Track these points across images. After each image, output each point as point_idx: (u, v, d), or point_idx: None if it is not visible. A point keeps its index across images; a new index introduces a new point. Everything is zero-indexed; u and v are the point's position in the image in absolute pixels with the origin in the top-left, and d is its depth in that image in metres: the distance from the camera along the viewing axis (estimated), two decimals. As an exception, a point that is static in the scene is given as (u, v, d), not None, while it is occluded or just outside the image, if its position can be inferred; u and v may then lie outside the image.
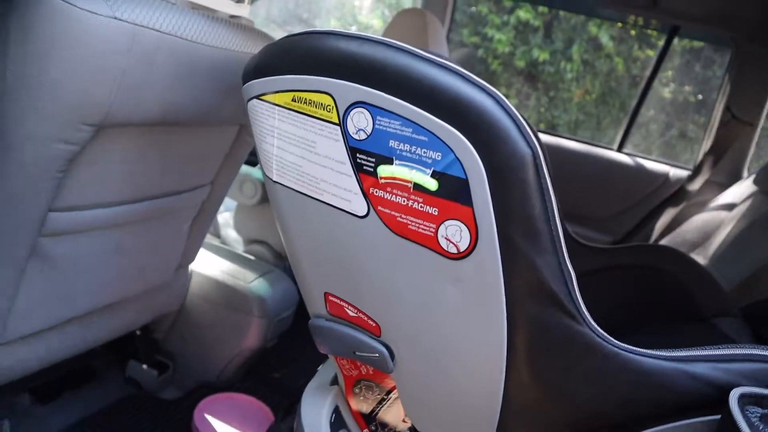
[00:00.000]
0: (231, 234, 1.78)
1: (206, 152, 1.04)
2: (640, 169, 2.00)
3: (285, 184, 0.65)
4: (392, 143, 0.55)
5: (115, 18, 0.68)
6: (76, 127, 0.72)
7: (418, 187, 0.54)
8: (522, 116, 0.55)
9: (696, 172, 1.93)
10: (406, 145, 0.54)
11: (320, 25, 5.76)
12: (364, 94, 0.55)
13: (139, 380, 1.30)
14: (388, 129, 0.55)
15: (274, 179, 0.66)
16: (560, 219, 0.54)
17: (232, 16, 0.93)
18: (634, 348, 0.56)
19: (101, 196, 0.87)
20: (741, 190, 1.64)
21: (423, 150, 0.53)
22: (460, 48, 4.79)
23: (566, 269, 0.54)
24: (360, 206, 0.58)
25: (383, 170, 0.56)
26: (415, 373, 0.64)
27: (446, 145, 0.52)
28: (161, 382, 1.30)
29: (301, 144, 0.62)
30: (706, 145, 1.92)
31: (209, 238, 1.69)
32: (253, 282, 1.33)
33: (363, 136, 0.56)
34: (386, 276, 0.60)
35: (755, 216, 1.43)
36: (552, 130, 4.81)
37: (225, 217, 1.83)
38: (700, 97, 4.78)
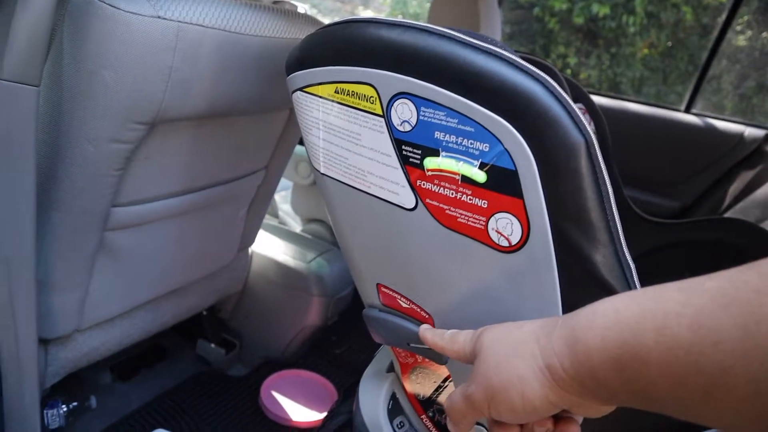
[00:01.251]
0: (288, 213, 1.81)
1: (259, 138, 1.05)
2: (711, 130, 1.88)
3: (332, 176, 0.64)
4: (438, 135, 0.53)
5: (159, 17, 0.69)
6: (130, 127, 0.74)
7: (466, 180, 0.52)
8: (577, 92, 0.52)
9: (774, 129, 1.80)
10: (452, 136, 0.52)
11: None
12: (406, 85, 0.54)
13: (207, 358, 1.36)
14: (433, 120, 0.53)
15: (322, 171, 0.66)
16: (617, 208, 0.51)
17: (275, 2, 0.93)
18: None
19: (159, 189, 0.90)
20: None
21: (470, 141, 0.51)
22: (515, 9, 4.62)
23: (625, 262, 0.51)
24: (408, 199, 0.57)
25: (430, 162, 0.54)
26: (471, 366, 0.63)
27: (494, 135, 0.50)
28: (229, 359, 1.35)
29: (346, 136, 0.61)
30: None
31: (268, 219, 1.73)
32: (311, 262, 1.35)
33: (408, 127, 0.55)
34: (437, 268, 0.59)
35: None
36: (614, 92, 4.60)
37: (282, 196, 1.86)
38: (780, 43, 4.44)
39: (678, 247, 0.98)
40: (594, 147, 0.49)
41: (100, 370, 1.25)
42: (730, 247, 0.93)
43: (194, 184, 0.96)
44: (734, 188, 1.77)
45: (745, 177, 1.76)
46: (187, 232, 1.01)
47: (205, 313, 1.34)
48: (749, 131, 1.85)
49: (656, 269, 0.94)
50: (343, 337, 1.51)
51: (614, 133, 1.32)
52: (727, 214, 1.69)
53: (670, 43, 4.55)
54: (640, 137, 1.92)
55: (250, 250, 1.34)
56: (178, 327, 1.25)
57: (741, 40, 4.50)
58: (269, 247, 1.39)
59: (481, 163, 0.51)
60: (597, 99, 2.01)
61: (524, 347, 0.40)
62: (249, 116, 0.96)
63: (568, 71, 4.75)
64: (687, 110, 1.99)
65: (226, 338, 1.37)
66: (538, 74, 0.50)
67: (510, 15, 4.65)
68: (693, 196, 1.89)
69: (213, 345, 1.34)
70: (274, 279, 1.35)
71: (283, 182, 1.59)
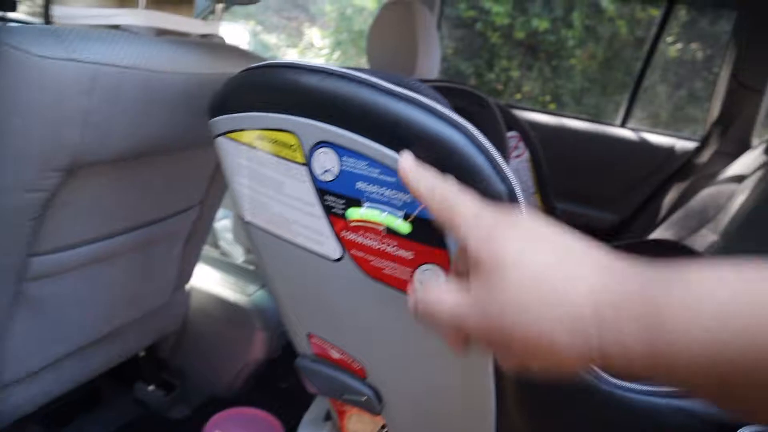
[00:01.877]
0: (230, 243, 1.76)
1: (191, 174, 1.02)
2: (644, 144, 1.94)
3: (258, 224, 0.62)
4: (360, 185, 0.52)
5: (73, 60, 0.65)
6: (45, 175, 0.70)
7: (391, 231, 0.51)
8: (499, 144, 0.51)
9: (704, 143, 1.87)
10: (374, 186, 0.51)
11: (315, 11, 5.67)
12: (327, 133, 0.52)
13: (146, 401, 1.30)
14: (355, 170, 0.52)
15: (247, 219, 0.63)
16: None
17: (203, 36, 0.90)
18: (628, 385, 0.53)
19: (82, 233, 0.85)
20: (750, 160, 1.59)
21: (392, 192, 0.50)
22: (458, 26, 4.70)
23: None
24: (333, 249, 0.56)
25: (353, 213, 0.53)
26: (404, 415, 0.62)
27: (416, 186, 0.49)
28: (169, 401, 1.30)
29: (269, 184, 0.59)
30: (713, 114, 1.86)
31: (208, 250, 1.68)
32: (253, 294, 1.32)
33: (330, 177, 0.53)
34: (366, 319, 0.57)
35: (764, 191, 1.38)
36: (557, 103, 4.72)
37: (224, 224, 1.82)
38: (708, 52, 4.65)
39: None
40: (518, 197, 0.48)
41: (30, 419, 1.18)
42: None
43: (121, 226, 0.91)
44: (669, 200, 1.83)
45: (678, 188, 1.82)
46: (117, 275, 0.96)
47: (142, 354, 1.29)
48: (680, 144, 1.92)
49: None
50: (289, 370, 1.47)
51: (554, 150, 1.34)
52: (662, 226, 1.74)
53: (607, 56, 4.70)
54: (578, 153, 1.97)
55: (188, 285, 1.29)
56: (114, 370, 1.19)
57: (672, 52, 4.70)
58: (209, 281, 1.34)
59: (406, 213, 0.50)
60: (536, 116, 2.05)
61: (572, 304, 0.29)
62: (179, 153, 0.93)
63: (512, 84, 4.85)
64: (622, 125, 2.05)
65: (166, 379, 1.32)
66: (460, 122, 0.49)
67: (454, 32, 4.72)
68: (630, 209, 1.95)
69: (151, 387, 1.29)
70: (215, 314, 1.30)
71: (225, 210, 1.55)
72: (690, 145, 1.90)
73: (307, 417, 0.75)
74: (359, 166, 0.51)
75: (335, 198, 0.54)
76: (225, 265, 1.45)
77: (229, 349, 1.31)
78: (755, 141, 1.80)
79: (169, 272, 1.12)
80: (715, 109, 1.84)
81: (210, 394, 1.35)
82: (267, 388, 1.41)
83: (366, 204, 0.52)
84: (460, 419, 0.57)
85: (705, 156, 1.84)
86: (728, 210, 1.50)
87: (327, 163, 0.53)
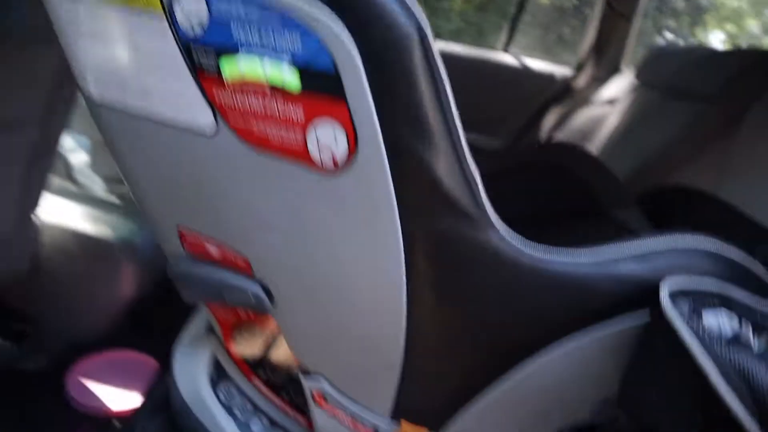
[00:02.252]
0: (88, 176, 1.56)
1: (23, 80, 0.84)
2: (526, 70, 1.97)
3: (108, 101, 0.50)
4: (235, 31, 0.42)
5: None
6: None
7: (276, 86, 0.42)
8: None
9: (579, 68, 1.92)
10: (254, 32, 0.41)
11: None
12: (190, -33, 0.41)
13: (-7, 354, 1.12)
14: (229, 12, 0.41)
15: (94, 97, 0.51)
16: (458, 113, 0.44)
17: None
18: (553, 258, 0.49)
19: None
20: (622, 83, 1.65)
21: (276, 36, 0.41)
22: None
23: (468, 169, 0.45)
24: (206, 119, 0.46)
25: (228, 68, 0.43)
26: (300, 312, 0.54)
27: (306, 27, 0.40)
28: (20, 352, 1.13)
29: (120, 46, 0.47)
30: (589, 40, 1.91)
31: (63, 184, 1.47)
32: (117, 227, 1.16)
33: (197, 25, 0.43)
34: (249, 202, 0.48)
35: (638, 108, 1.44)
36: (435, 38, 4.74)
37: (79, 157, 1.60)
38: (575, 2, 4.85)
39: (508, 172, 0.97)
40: (428, 37, 0.41)
41: None
42: (558, 168, 0.94)
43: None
44: (548, 123, 1.88)
45: (557, 112, 1.87)
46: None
47: (-17, 300, 1.10)
48: (559, 70, 1.96)
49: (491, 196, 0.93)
50: (162, 303, 1.33)
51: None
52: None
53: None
54: (462, 78, 1.94)
55: (39, 220, 1.11)
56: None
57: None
58: (65, 216, 1.17)
59: (293, 62, 0.41)
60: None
61: None
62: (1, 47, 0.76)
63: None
64: (505, 49, 2.07)
65: (15, 328, 1.14)
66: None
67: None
68: (513, 132, 1.98)
69: (-1, 338, 1.11)
70: (74, 251, 1.14)
71: (81, 140, 1.36)
72: (568, 71, 1.95)
73: (185, 335, 0.66)
74: (234, 7, 0.41)
75: (205, 53, 0.43)
76: (83, 198, 1.27)
77: (92, 288, 1.15)
78: (625, 66, 1.87)
79: (6, 203, 0.94)
80: (591, 36, 1.89)
81: (71, 340, 1.19)
82: (139, 325, 1.27)
83: (245, 55, 0.42)
84: (365, 308, 0.50)
85: (581, 81, 1.90)
86: (603, 130, 1.55)
87: (192, 7, 0.42)
